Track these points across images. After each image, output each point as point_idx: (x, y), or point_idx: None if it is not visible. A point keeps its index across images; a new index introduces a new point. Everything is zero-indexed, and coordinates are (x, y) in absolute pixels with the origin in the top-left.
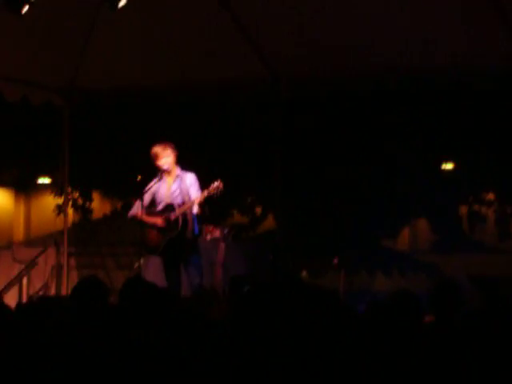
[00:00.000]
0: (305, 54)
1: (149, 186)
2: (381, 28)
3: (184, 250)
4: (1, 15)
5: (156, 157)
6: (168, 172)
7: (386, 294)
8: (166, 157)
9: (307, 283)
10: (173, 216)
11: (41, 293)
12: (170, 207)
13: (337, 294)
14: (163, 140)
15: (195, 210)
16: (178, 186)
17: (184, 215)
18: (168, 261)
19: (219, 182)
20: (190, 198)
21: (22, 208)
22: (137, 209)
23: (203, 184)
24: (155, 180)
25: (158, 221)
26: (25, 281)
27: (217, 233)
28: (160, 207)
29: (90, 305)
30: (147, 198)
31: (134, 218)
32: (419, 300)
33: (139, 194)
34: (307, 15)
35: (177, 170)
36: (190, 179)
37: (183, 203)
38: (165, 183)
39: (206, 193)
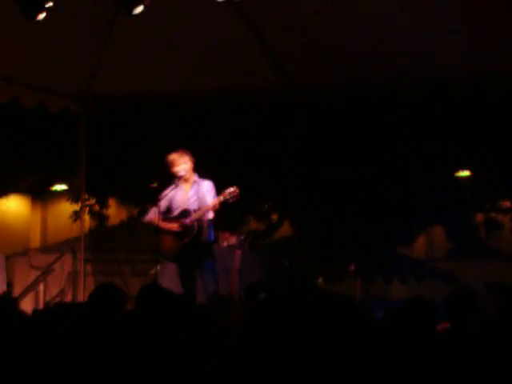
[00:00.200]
0: (319, 60)
1: (165, 192)
2: (397, 34)
3: (199, 255)
4: (18, 22)
5: (172, 164)
6: (185, 179)
7: (402, 302)
8: (182, 163)
9: (323, 289)
10: (188, 221)
11: (57, 299)
12: (185, 213)
13: (354, 300)
14: (179, 147)
15: (211, 216)
16: (194, 192)
17: (199, 221)
18: (183, 267)
19: (235, 187)
20: (206, 204)
21: (38, 214)
22: (153, 214)
23: (219, 191)
24: (172, 186)
25: (174, 226)
26: (41, 287)
27: (233, 240)
28: (176, 213)
29: (107, 311)
30: (163, 204)
31: (150, 223)
32: (435, 307)
33: (155, 200)
34: (322, 21)
35: (194, 177)
36: (207, 186)
37: (199, 209)
38: (182, 190)
39: (221, 198)
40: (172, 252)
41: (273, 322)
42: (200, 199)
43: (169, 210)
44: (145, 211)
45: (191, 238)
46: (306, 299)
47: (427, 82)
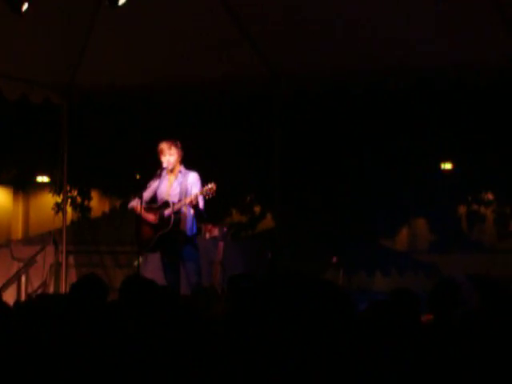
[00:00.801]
0: (304, 51)
1: (151, 181)
2: (380, 27)
3: (179, 247)
4: (1, 13)
5: (160, 153)
6: (170, 170)
7: (385, 294)
8: (169, 155)
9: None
10: (166, 213)
11: (39, 291)
12: (165, 204)
13: (337, 286)
14: (163, 138)
15: (195, 208)
16: (178, 183)
17: (177, 213)
18: (165, 258)
19: (212, 184)
20: (189, 196)
21: (20, 206)
22: (136, 202)
23: (202, 183)
24: (157, 176)
25: (151, 217)
26: (23, 279)
27: (216, 232)
28: (159, 203)
29: (89, 303)
30: (148, 193)
31: (133, 209)
32: (419, 298)
33: (139, 190)
34: (307, 13)
35: (180, 168)
36: (192, 178)
37: (178, 201)
38: (166, 180)
39: (197, 193)
40: (148, 243)
41: (256, 312)
42: (183, 191)
43: (153, 200)
44: (127, 203)
45: (167, 231)
46: (289, 285)
47: (411, 74)
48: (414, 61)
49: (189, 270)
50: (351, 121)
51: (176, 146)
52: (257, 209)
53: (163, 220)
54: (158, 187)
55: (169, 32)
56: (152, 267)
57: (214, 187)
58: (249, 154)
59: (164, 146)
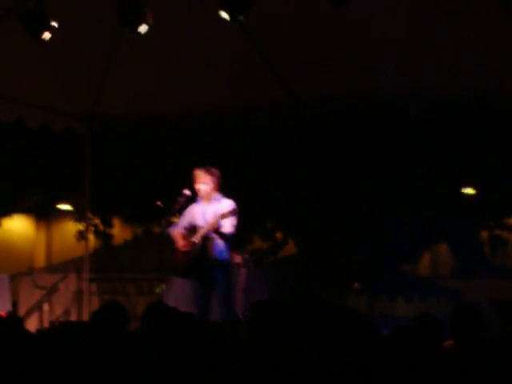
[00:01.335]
0: (323, 76)
1: (189, 207)
2: (402, 52)
3: (208, 273)
4: (22, 42)
5: (195, 180)
6: (204, 196)
7: (408, 320)
8: (202, 184)
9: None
10: (194, 239)
11: (62, 319)
12: (194, 230)
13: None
14: (187, 165)
15: (225, 231)
16: (212, 210)
17: (207, 239)
18: (196, 284)
19: (234, 206)
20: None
21: (43, 234)
22: (173, 228)
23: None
24: (195, 203)
25: (180, 244)
26: (46, 307)
27: (237, 258)
28: (191, 230)
29: (111, 330)
30: (184, 219)
31: (169, 235)
32: (442, 324)
33: (166, 215)
34: (327, 39)
35: (215, 195)
36: (226, 206)
37: (203, 227)
38: (201, 207)
39: (218, 217)
40: (181, 268)
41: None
42: (217, 215)
43: (190, 225)
44: (150, 231)
45: (195, 256)
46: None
47: (432, 99)
48: (435, 85)
49: (218, 297)
50: (373, 147)
51: (209, 173)
52: (278, 235)
53: (193, 246)
54: (194, 213)
55: (191, 60)
56: (175, 294)
57: (234, 206)
58: (271, 180)
59: (197, 173)
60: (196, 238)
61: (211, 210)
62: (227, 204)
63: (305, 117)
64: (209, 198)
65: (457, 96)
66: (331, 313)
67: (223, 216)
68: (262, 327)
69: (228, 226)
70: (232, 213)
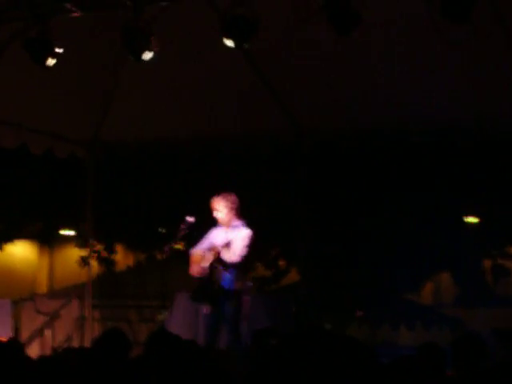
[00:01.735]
0: (327, 107)
1: (210, 231)
2: (405, 82)
3: (217, 300)
4: (26, 68)
5: (211, 207)
6: (222, 223)
7: (410, 348)
8: (217, 210)
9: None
10: (204, 264)
11: (64, 345)
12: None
13: (362, 343)
14: (195, 191)
15: (230, 260)
16: (228, 237)
17: (212, 266)
18: (207, 310)
19: (247, 236)
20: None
21: (45, 259)
22: (195, 250)
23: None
24: (215, 227)
25: (193, 267)
26: (48, 333)
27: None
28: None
29: (113, 357)
30: (205, 242)
31: (190, 257)
32: (445, 353)
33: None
34: (330, 70)
35: (233, 222)
36: (242, 235)
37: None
38: (219, 232)
39: (218, 247)
40: (193, 292)
41: (280, 369)
42: (229, 243)
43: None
44: (153, 258)
45: (203, 281)
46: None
47: (435, 129)
48: (439, 114)
49: (225, 325)
50: (374, 175)
51: (225, 199)
52: (281, 263)
53: (203, 271)
54: (213, 238)
55: (195, 87)
56: (177, 322)
57: (248, 236)
58: (274, 208)
59: (214, 199)
60: (205, 265)
61: (228, 236)
62: (242, 233)
63: (307, 145)
64: (228, 224)
65: (459, 124)
66: (332, 342)
67: (224, 246)
68: (263, 355)
69: (233, 254)
70: (227, 245)
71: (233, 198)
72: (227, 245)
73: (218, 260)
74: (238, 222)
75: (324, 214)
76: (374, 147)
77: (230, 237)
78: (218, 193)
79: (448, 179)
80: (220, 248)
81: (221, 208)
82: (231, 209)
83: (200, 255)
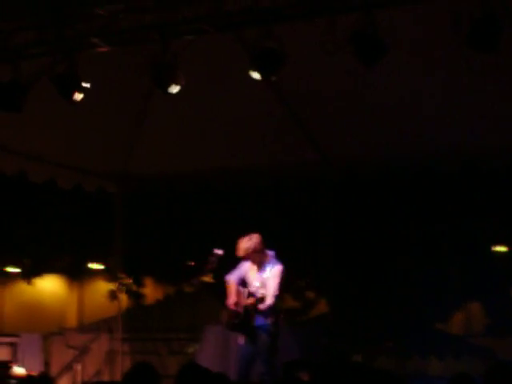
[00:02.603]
0: (353, 137)
1: (243, 265)
2: (429, 112)
3: (249, 338)
4: (54, 103)
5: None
6: (253, 261)
7: (440, 378)
8: (243, 254)
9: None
10: (241, 303)
11: (94, 379)
12: (249, 294)
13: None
14: (216, 225)
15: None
16: (260, 276)
17: (248, 307)
18: (245, 341)
19: (272, 301)
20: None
21: (74, 294)
22: (230, 278)
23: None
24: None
25: (229, 301)
26: (78, 367)
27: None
28: (247, 291)
29: None
30: (240, 272)
31: (226, 283)
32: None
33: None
34: (358, 99)
35: (264, 259)
36: (274, 272)
37: (248, 297)
38: (252, 269)
39: (253, 301)
40: (229, 324)
41: None
42: (263, 283)
43: (242, 281)
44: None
45: (237, 322)
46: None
47: (460, 157)
48: (464, 144)
49: (260, 356)
50: (403, 204)
51: (246, 240)
52: (310, 294)
53: (238, 308)
54: (246, 273)
55: (221, 119)
56: (207, 355)
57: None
58: (302, 239)
59: (239, 241)
60: (242, 305)
61: (259, 276)
62: (274, 270)
63: (334, 176)
64: (257, 262)
65: (485, 153)
66: (363, 375)
67: (259, 300)
68: None
69: (269, 297)
70: (262, 300)
71: (256, 236)
72: (261, 300)
73: (255, 309)
74: (267, 258)
75: (352, 245)
76: (401, 177)
77: (263, 276)
78: (243, 233)
79: (475, 208)
80: (256, 300)
81: (245, 248)
82: (256, 248)
83: (235, 288)
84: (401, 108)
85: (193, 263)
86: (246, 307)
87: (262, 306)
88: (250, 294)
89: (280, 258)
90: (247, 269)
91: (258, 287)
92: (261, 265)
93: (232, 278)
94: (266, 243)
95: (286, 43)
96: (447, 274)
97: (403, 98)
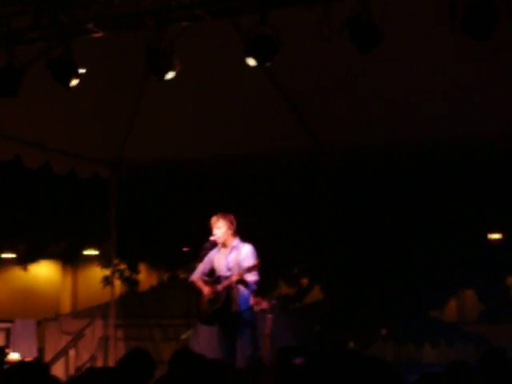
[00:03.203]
0: (349, 123)
1: (209, 254)
2: (428, 100)
3: (232, 322)
4: (49, 88)
5: (211, 227)
6: (222, 243)
7: (434, 366)
8: (216, 228)
9: (357, 353)
10: (219, 288)
11: (88, 365)
12: (218, 279)
13: (387, 363)
14: (210, 211)
15: (248, 279)
16: (232, 258)
17: (229, 289)
18: (220, 332)
19: (257, 261)
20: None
21: (68, 279)
22: (195, 275)
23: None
24: (213, 249)
25: (205, 291)
26: (72, 352)
27: (264, 304)
28: (214, 277)
29: (137, 377)
30: (205, 266)
31: (192, 283)
32: (473, 372)
33: (188, 262)
34: (351, 84)
35: (234, 242)
36: (246, 252)
37: (226, 278)
38: (221, 254)
39: (241, 272)
40: (205, 316)
41: None
42: (236, 265)
43: (211, 272)
44: (176, 277)
45: (219, 306)
46: (341, 363)
47: (458, 146)
48: (460, 133)
49: (243, 344)
50: (398, 193)
51: (224, 218)
52: (304, 281)
53: (216, 295)
54: (214, 260)
55: (216, 106)
56: (201, 340)
57: (257, 263)
58: (296, 225)
59: (213, 219)
60: (220, 288)
61: (232, 257)
62: (246, 250)
63: (330, 163)
64: (226, 245)
65: (482, 142)
66: (357, 362)
67: (248, 270)
68: (287, 373)
69: (252, 274)
70: (255, 267)
71: (230, 216)
72: (248, 269)
73: (242, 282)
74: (236, 241)
75: (347, 232)
76: (397, 166)
77: (234, 258)
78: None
79: (470, 196)
80: (243, 273)
81: (220, 225)
82: (230, 227)
83: (203, 281)
84: (397, 95)
85: (187, 249)
86: (228, 288)
87: (249, 278)
88: (218, 278)
89: (274, 244)
90: (214, 258)
91: (228, 269)
92: (229, 249)
93: (194, 276)
94: (262, 230)
95: (281, 29)
96: (441, 261)
97: (400, 85)
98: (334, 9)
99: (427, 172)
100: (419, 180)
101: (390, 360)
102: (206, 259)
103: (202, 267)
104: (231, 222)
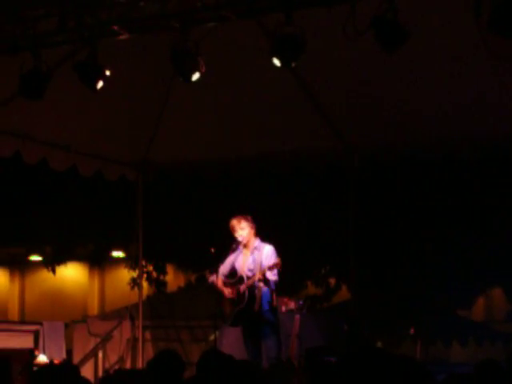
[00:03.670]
0: (375, 123)
1: (230, 255)
2: (453, 99)
3: (255, 323)
4: (76, 91)
5: (232, 229)
6: (244, 244)
7: (462, 365)
8: (240, 230)
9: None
10: (241, 288)
11: (116, 366)
12: (241, 279)
13: (418, 362)
14: (237, 212)
15: (270, 280)
16: (253, 258)
17: (252, 289)
18: (245, 333)
19: (278, 260)
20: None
21: (96, 281)
22: (215, 276)
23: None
24: (236, 250)
25: (228, 292)
26: (100, 354)
27: (291, 304)
28: (235, 278)
29: (167, 378)
30: (226, 267)
31: (212, 284)
32: (503, 371)
33: (214, 264)
34: (376, 85)
35: (255, 242)
36: (267, 252)
37: (249, 278)
38: (242, 255)
39: (264, 270)
40: (229, 317)
41: None
42: (258, 266)
43: (232, 274)
44: (203, 278)
45: (243, 307)
46: (370, 363)
47: (485, 144)
48: (488, 129)
49: (267, 345)
50: (425, 191)
51: (246, 220)
52: (332, 281)
53: (239, 296)
54: (235, 261)
55: (242, 107)
56: (229, 341)
57: (279, 262)
58: (323, 226)
59: (234, 222)
60: (243, 288)
61: (254, 258)
62: (267, 250)
63: (357, 162)
64: (248, 245)
65: (506, 139)
66: (387, 361)
67: (270, 268)
68: (316, 373)
69: (273, 273)
70: (277, 265)
71: (250, 217)
72: (269, 268)
73: (264, 280)
74: (257, 242)
75: (375, 231)
76: (423, 163)
77: (255, 259)
78: (265, 220)
79: (499, 194)
80: (264, 271)
81: (243, 226)
82: (252, 227)
83: (225, 281)
84: (424, 96)
85: (214, 250)
86: (251, 288)
87: (270, 277)
88: (241, 278)
89: (301, 244)
90: (236, 259)
91: (250, 270)
92: (252, 249)
93: (214, 277)
94: (288, 230)
95: (306, 29)
96: (469, 261)
97: (427, 86)
98: (359, 8)
99: (452, 169)
100: (444, 177)
101: (418, 359)
102: (227, 260)
103: (222, 268)
104: (252, 222)
